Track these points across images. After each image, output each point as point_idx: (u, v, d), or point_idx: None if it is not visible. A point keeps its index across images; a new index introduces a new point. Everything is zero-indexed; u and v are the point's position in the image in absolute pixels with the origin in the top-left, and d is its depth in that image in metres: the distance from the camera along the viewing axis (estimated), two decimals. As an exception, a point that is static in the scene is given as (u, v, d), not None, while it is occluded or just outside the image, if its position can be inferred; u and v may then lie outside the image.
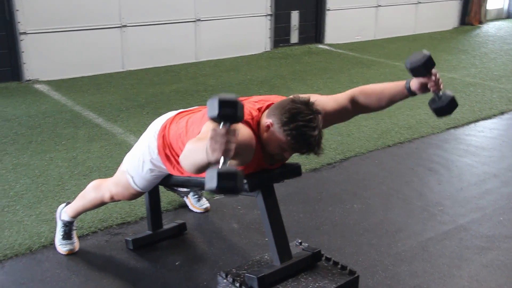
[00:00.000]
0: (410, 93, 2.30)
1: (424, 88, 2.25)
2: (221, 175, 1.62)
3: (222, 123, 1.68)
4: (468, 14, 10.35)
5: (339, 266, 2.25)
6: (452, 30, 10.01)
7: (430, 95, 2.41)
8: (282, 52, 7.71)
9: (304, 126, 2.00)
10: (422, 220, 3.23)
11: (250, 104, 2.22)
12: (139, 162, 2.49)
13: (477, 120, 5.02)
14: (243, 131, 2.03)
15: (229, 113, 1.67)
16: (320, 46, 8.23)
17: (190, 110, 2.51)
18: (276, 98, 2.27)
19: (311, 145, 2.02)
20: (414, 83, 2.26)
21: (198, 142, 1.83)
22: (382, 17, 8.96)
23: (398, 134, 4.58)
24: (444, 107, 2.27)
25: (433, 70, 2.21)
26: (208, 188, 1.67)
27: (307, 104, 2.04)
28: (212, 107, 1.67)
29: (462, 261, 2.83)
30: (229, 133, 1.67)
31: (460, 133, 4.71)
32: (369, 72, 6.74)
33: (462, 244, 2.98)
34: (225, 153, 1.66)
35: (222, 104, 1.65)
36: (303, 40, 8.18)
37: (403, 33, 9.31)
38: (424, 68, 2.18)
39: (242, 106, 1.72)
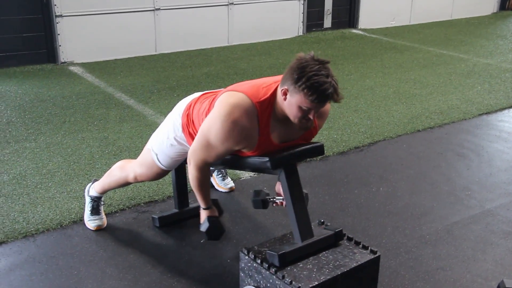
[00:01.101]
0: None
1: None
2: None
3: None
4: (508, -1, 10.08)
5: (360, 245, 2.26)
6: (490, 16, 9.77)
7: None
8: (314, 37, 7.67)
9: (314, 75, 2.02)
10: (449, 204, 3.20)
11: (266, 85, 2.24)
12: (163, 139, 2.54)
13: (511, 107, 4.91)
14: (239, 128, 2.12)
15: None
16: (354, 31, 8.15)
17: (214, 92, 2.53)
18: None
19: (327, 90, 2.02)
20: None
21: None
22: (418, 2, 8.79)
23: (428, 119, 4.53)
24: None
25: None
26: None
27: (313, 57, 2.08)
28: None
29: (487, 245, 2.80)
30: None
31: (492, 119, 4.63)
32: (402, 57, 6.66)
33: (488, 229, 2.95)
34: None
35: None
36: (336, 25, 8.12)
37: (439, 18, 9.13)
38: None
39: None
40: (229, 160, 2.36)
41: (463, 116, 4.64)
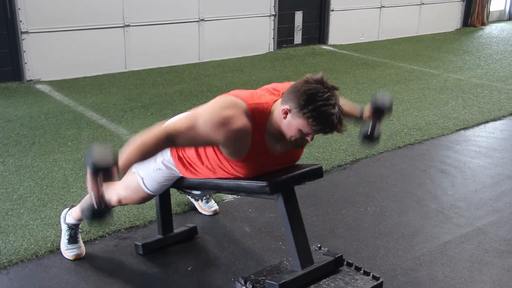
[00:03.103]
0: (359, 119, 2.58)
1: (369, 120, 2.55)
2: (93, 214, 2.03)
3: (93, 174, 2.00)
4: (471, 15, 10.29)
5: (361, 271, 2.16)
6: (455, 32, 9.94)
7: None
8: (285, 53, 7.62)
9: (323, 105, 1.93)
10: (438, 223, 3.14)
11: (260, 91, 2.16)
12: (150, 164, 2.41)
13: (486, 121, 4.94)
14: (235, 122, 2.01)
15: (100, 169, 2.00)
16: (324, 47, 8.15)
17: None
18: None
19: (334, 123, 1.95)
20: (366, 115, 2.54)
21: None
22: (386, 18, 8.88)
23: (408, 136, 4.50)
24: (374, 140, 2.59)
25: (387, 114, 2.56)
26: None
27: (322, 82, 1.98)
28: (87, 160, 2.01)
29: (482, 265, 2.74)
30: (98, 183, 2.00)
31: (470, 134, 4.63)
32: (374, 73, 6.66)
33: (481, 248, 2.90)
34: (97, 197, 2.00)
35: (95, 165, 1.99)
36: (306, 41, 8.10)
37: (406, 34, 9.24)
38: (386, 112, 2.54)
39: (111, 162, 2.01)
40: (222, 185, 2.24)
41: (441, 132, 4.63)
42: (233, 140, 2.05)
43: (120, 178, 2.21)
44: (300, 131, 1.99)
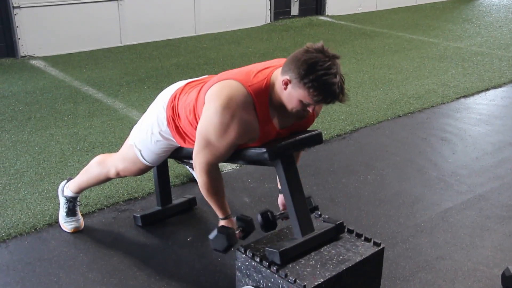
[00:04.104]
0: None
1: None
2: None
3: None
4: (470, -17, 10.14)
5: (362, 238, 2.14)
6: (454, 0, 9.81)
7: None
8: (282, 25, 7.53)
9: (324, 74, 1.86)
10: (439, 190, 3.12)
11: (256, 69, 2.09)
12: (147, 135, 2.36)
13: (487, 89, 4.89)
14: (238, 122, 1.98)
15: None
16: (321, 18, 8.05)
17: (200, 80, 2.37)
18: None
19: (335, 93, 1.89)
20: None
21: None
22: (384, -13, 8.76)
23: (407, 104, 4.45)
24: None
25: None
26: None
27: (323, 50, 1.91)
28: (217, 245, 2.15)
29: (484, 231, 2.73)
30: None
31: (470, 102, 4.59)
32: (373, 43, 6.59)
33: (483, 214, 2.88)
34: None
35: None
36: (303, 12, 7.99)
37: (405, 3, 9.12)
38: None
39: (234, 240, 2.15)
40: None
41: (442, 100, 4.58)
42: (242, 136, 2.02)
43: None
44: (301, 102, 1.93)
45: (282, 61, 2.08)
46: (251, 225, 2.25)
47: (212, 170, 2.15)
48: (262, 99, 2.00)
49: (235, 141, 2.04)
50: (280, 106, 2.03)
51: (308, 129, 2.23)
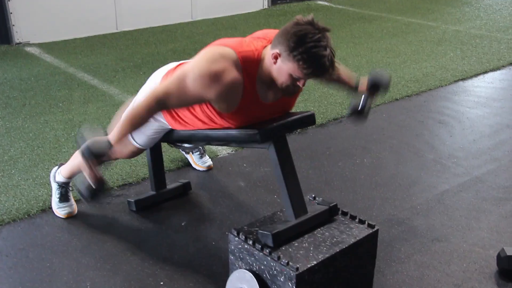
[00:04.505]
0: (353, 91, 2.46)
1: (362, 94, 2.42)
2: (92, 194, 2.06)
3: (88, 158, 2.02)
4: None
5: (356, 220, 2.12)
6: (453, -17, 9.72)
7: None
8: (280, 10, 7.46)
9: (314, 47, 1.82)
10: (436, 173, 3.10)
11: (249, 39, 2.06)
12: (138, 117, 2.33)
13: (485, 72, 4.85)
14: (226, 77, 1.91)
15: (94, 154, 2.02)
16: (319, 2, 7.98)
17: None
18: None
19: (325, 65, 1.86)
20: (362, 89, 2.40)
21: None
22: (382, -29, 8.66)
23: (405, 87, 4.42)
24: (362, 115, 2.43)
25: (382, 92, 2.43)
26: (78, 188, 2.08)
27: (312, 23, 1.87)
28: (81, 146, 2.02)
29: (480, 212, 2.71)
30: (94, 166, 2.02)
31: (469, 85, 4.55)
32: (371, 26, 6.53)
33: (479, 196, 2.86)
34: (95, 180, 2.03)
35: (91, 151, 2.01)
36: (301, -3, 7.93)
37: (403, -13, 9.02)
38: (383, 89, 2.41)
39: (106, 147, 2.04)
40: (212, 135, 2.17)
41: (439, 83, 4.55)
42: (224, 95, 1.96)
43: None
44: (291, 76, 1.90)
45: (275, 32, 2.05)
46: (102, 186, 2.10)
47: (157, 105, 2.04)
48: (250, 68, 1.96)
49: (209, 95, 1.96)
50: (270, 82, 1.99)
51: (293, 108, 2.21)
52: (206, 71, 1.92)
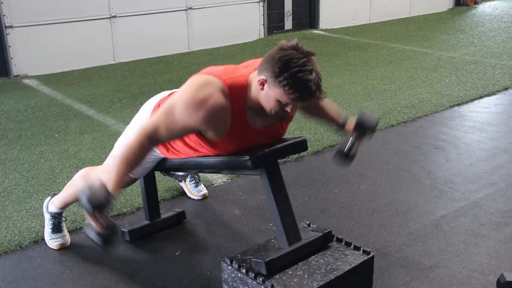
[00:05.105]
0: (339, 129, 2.43)
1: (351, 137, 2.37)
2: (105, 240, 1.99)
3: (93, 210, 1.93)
4: (463, -6, 10.19)
5: (351, 246, 2.09)
6: (447, 12, 9.84)
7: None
8: (276, 39, 7.52)
9: (299, 71, 1.82)
10: (433, 198, 3.07)
11: (234, 66, 2.08)
12: (130, 146, 2.32)
13: (481, 97, 4.86)
14: (212, 102, 1.91)
15: (96, 206, 1.93)
16: (315, 31, 8.06)
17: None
18: None
19: (311, 90, 1.85)
20: (349, 128, 2.37)
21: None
22: (377, 1, 8.77)
23: (401, 114, 4.42)
24: (348, 159, 2.33)
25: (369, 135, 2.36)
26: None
27: (297, 47, 1.87)
28: (82, 203, 1.93)
29: (478, 238, 2.67)
30: (99, 217, 1.94)
31: (464, 110, 4.56)
32: (366, 54, 6.58)
33: (477, 221, 2.83)
34: (103, 229, 1.96)
35: (93, 206, 1.92)
36: (297, 26, 8.01)
37: (398, 16, 9.14)
38: (370, 131, 2.35)
39: (105, 198, 1.94)
40: (204, 162, 2.16)
41: (435, 108, 4.55)
42: (211, 120, 1.96)
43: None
44: (278, 101, 1.90)
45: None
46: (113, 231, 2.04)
47: (149, 142, 2.02)
48: (237, 95, 1.97)
49: (198, 123, 1.96)
50: (259, 108, 1.99)
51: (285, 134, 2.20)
52: (192, 99, 1.93)
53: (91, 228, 1.97)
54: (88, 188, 1.93)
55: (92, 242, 2.01)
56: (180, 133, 2.05)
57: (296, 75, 1.82)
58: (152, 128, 2.01)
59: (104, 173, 2.42)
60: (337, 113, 2.42)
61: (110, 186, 1.99)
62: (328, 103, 2.40)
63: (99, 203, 1.93)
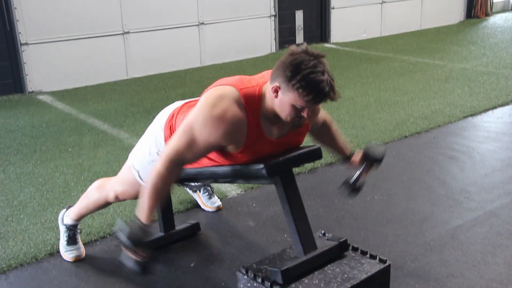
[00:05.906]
0: (345, 160, 2.49)
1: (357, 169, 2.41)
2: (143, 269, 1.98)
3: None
4: (474, 7, 10.18)
5: (368, 255, 2.08)
6: (458, 24, 9.84)
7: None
8: (287, 53, 7.55)
9: (311, 73, 1.84)
10: (448, 208, 3.05)
11: (249, 77, 2.10)
12: (145, 156, 2.34)
13: (494, 107, 4.84)
14: (230, 116, 1.93)
15: (136, 242, 1.92)
16: (327, 45, 8.09)
17: (198, 99, 2.35)
18: None
19: (324, 90, 1.86)
20: (355, 160, 2.42)
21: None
22: (388, 14, 8.80)
23: (414, 125, 4.41)
24: (355, 191, 2.40)
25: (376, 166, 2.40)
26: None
27: (306, 51, 1.89)
28: (122, 242, 1.92)
29: (495, 247, 2.64)
30: (139, 252, 1.93)
31: (478, 121, 4.53)
32: (378, 67, 6.58)
33: (494, 230, 2.80)
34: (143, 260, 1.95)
35: (134, 244, 1.91)
36: (308, 40, 8.03)
37: (409, 28, 9.15)
38: (377, 164, 2.40)
39: (143, 232, 1.95)
40: (219, 172, 2.16)
41: (448, 119, 4.53)
42: (232, 135, 1.98)
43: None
44: (293, 107, 1.91)
45: None
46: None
47: (176, 169, 2.03)
48: (252, 104, 1.98)
49: (219, 139, 1.97)
50: (274, 117, 2.00)
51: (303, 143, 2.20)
52: (209, 116, 1.95)
53: (127, 256, 1.96)
54: (126, 225, 1.93)
55: (131, 270, 2.00)
56: (204, 152, 2.05)
57: (309, 76, 1.83)
58: (175, 152, 2.01)
59: (118, 183, 2.43)
60: (345, 144, 2.47)
61: (143, 217, 1.99)
62: (338, 132, 2.45)
63: (139, 238, 1.92)
